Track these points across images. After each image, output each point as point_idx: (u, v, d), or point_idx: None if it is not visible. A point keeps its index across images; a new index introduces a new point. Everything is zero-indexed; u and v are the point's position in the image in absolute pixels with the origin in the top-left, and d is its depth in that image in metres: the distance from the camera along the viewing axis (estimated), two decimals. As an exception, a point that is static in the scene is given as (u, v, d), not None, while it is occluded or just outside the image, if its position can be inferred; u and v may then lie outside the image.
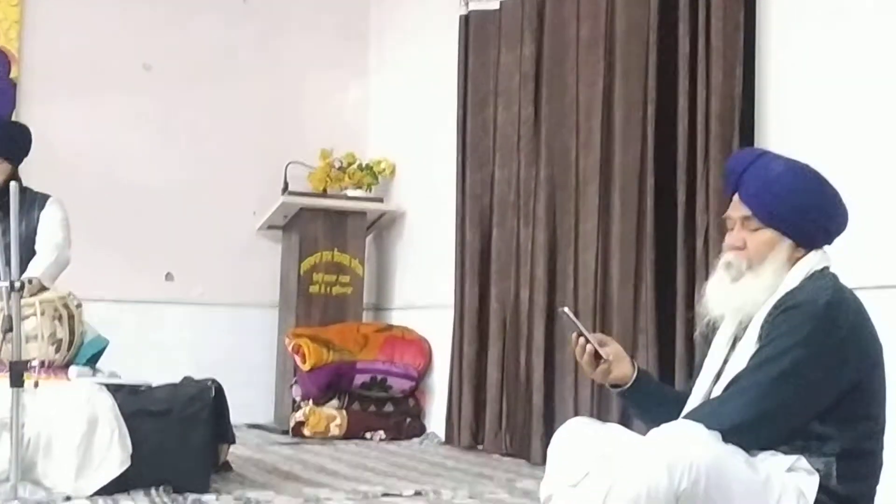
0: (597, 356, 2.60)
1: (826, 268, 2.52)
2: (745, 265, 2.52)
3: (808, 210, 2.47)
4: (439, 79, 6.09)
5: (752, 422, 2.39)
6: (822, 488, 2.37)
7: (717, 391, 2.53)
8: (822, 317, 2.39)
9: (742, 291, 2.52)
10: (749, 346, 2.49)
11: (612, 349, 2.63)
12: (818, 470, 2.39)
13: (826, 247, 2.55)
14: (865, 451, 2.45)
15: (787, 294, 2.46)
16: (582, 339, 2.58)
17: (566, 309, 2.68)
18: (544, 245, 5.13)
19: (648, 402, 2.71)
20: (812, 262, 2.51)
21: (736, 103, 4.17)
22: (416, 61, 6.58)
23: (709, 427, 2.34)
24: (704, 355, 2.69)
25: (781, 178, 2.48)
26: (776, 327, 2.42)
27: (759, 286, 2.50)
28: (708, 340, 2.67)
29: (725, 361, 2.59)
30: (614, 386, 2.69)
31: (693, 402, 2.63)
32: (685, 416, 2.49)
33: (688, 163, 4.31)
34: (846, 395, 2.41)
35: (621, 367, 2.63)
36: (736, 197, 2.54)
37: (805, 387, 2.38)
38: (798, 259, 2.50)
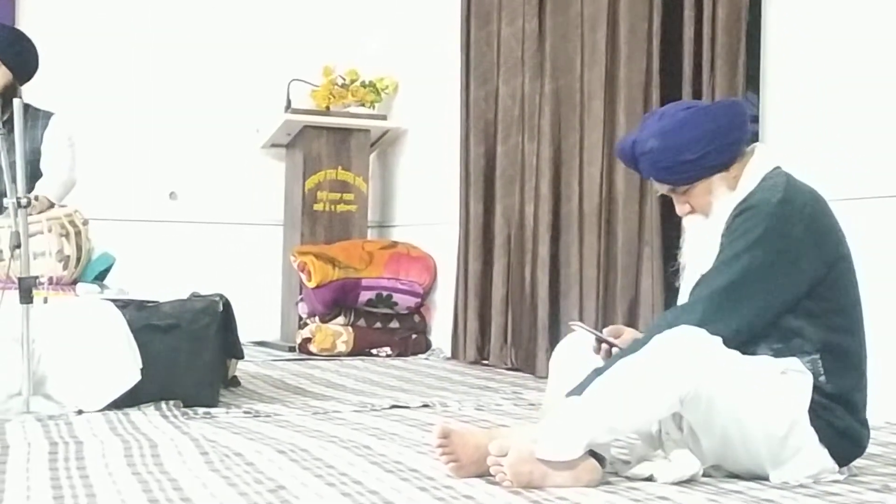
0: None
1: (778, 167, 2.57)
2: (704, 218, 2.61)
3: (708, 146, 2.53)
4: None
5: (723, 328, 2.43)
6: (813, 387, 2.44)
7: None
8: (776, 215, 2.46)
9: (711, 227, 2.59)
10: (714, 251, 2.55)
11: (632, 338, 2.64)
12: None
13: (762, 144, 2.65)
14: (844, 347, 2.51)
15: (744, 198, 2.54)
16: (605, 346, 2.60)
17: (577, 322, 2.75)
18: (549, 160, 5.11)
19: None
20: (761, 165, 2.57)
21: (742, 14, 4.13)
22: (418, -25, 6.51)
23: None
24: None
25: (667, 147, 2.54)
26: (734, 231, 2.50)
27: (720, 217, 2.57)
28: None
29: None
30: None
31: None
32: (649, 331, 2.53)
33: (693, 75, 4.27)
34: (813, 290, 2.47)
35: None
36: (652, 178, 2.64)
37: (766, 286, 2.44)
38: (737, 177, 2.57)
